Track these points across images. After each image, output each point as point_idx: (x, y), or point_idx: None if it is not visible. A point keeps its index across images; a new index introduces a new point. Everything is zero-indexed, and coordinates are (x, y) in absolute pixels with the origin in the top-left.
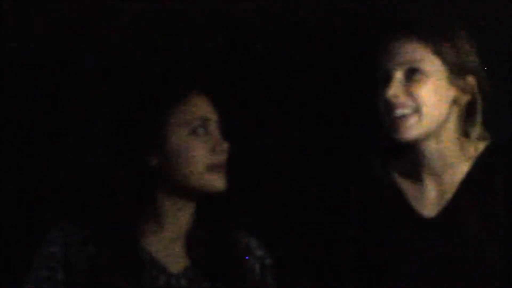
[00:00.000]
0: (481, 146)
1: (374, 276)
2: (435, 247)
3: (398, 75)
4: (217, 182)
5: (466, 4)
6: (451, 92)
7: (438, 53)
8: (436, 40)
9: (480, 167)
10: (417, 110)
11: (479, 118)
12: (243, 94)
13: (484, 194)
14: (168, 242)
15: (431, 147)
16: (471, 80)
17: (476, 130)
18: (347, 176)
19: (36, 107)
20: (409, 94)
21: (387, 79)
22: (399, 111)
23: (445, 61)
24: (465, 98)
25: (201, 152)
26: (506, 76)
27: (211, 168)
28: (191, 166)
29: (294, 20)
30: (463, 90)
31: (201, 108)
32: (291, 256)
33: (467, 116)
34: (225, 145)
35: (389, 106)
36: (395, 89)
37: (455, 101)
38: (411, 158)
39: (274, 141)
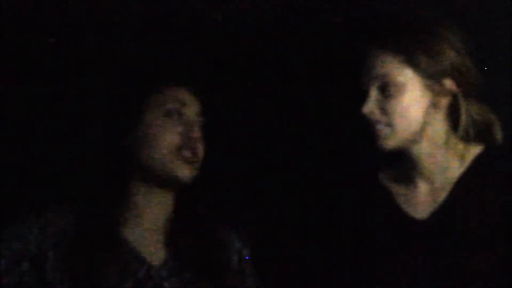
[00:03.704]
0: (477, 149)
1: (366, 279)
2: (427, 249)
3: (373, 91)
4: (181, 170)
5: (465, 3)
6: (426, 98)
7: (409, 62)
8: (405, 49)
9: (475, 170)
10: (389, 124)
11: (463, 117)
12: (240, 92)
13: (478, 197)
14: (147, 234)
15: (422, 149)
16: (447, 83)
17: (462, 130)
18: (338, 179)
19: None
20: (383, 110)
21: (365, 94)
22: (376, 126)
23: (417, 70)
24: (444, 100)
25: (170, 135)
26: (506, 76)
27: (178, 153)
28: (158, 147)
29: (287, 22)
30: (439, 93)
31: (180, 95)
32: (277, 253)
33: (453, 115)
34: (197, 133)
35: (368, 122)
36: (371, 106)
37: (433, 105)
38: (403, 161)
39: (266, 141)
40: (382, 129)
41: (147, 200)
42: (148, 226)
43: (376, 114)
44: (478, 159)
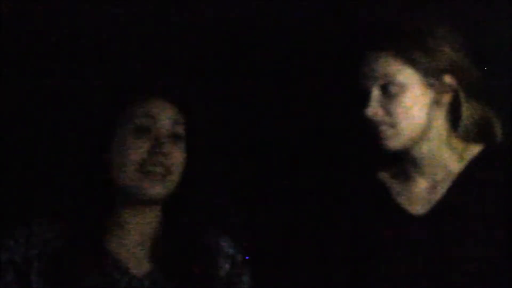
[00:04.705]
0: (477, 148)
1: (364, 275)
2: (424, 245)
3: (375, 92)
4: (149, 186)
5: (466, 4)
6: (428, 95)
7: (409, 62)
8: (405, 50)
9: (474, 168)
10: (393, 125)
11: (464, 114)
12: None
13: (477, 194)
14: (132, 245)
15: (422, 149)
16: (448, 79)
17: (463, 127)
18: (336, 176)
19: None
20: (387, 110)
21: (366, 96)
22: (380, 128)
23: (417, 68)
24: (446, 97)
25: (135, 152)
26: (506, 76)
27: (145, 170)
28: (125, 164)
29: (283, 26)
30: (441, 90)
31: (150, 107)
32: (275, 253)
33: (453, 113)
34: (168, 149)
35: (371, 123)
36: (374, 108)
37: (436, 102)
38: (403, 159)
39: (263, 140)
40: (386, 130)
41: (132, 214)
42: (133, 238)
43: (379, 115)
44: (478, 157)
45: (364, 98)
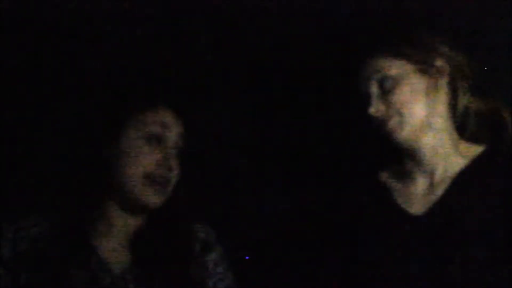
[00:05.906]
0: (479, 148)
1: (362, 273)
2: (421, 244)
3: (374, 90)
4: (151, 196)
5: (466, 4)
6: (424, 81)
7: (399, 56)
8: (393, 47)
9: (475, 167)
10: (398, 114)
11: (461, 98)
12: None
13: (476, 193)
14: (117, 244)
15: (426, 142)
16: (439, 62)
17: (460, 108)
18: (338, 177)
19: None
20: (388, 104)
21: (367, 96)
22: (385, 121)
23: (408, 59)
24: (442, 81)
25: (145, 160)
26: (506, 76)
27: (150, 179)
28: (131, 170)
29: (284, 29)
30: (435, 74)
31: (163, 119)
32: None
33: (454, 96)
34: (173, 163)
35: (376, 119)
36: (375, 105)
37: (433, 88)
38: (405, 159)
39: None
40: (392, 121)
41: (120, 214)
42: (119, 238)
43: (382, 111)
44: (480, 156)
45: (365, 100)
